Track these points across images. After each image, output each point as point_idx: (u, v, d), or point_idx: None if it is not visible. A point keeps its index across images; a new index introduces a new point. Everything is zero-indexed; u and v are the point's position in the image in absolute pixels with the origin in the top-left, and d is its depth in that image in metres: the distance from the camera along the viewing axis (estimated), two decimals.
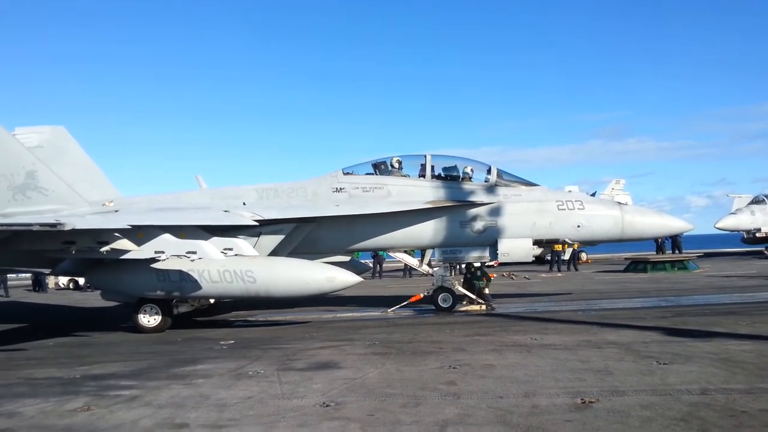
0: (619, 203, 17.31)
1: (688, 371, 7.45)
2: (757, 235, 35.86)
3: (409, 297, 15.75)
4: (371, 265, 29.58)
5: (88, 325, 15.49)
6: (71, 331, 14.03)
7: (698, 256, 31.37)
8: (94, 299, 20.04)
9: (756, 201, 36.38)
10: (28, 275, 30.55)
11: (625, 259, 31.68)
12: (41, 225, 11.20)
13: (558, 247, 27.74)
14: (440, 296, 15.27)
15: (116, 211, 15.06)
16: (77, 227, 11.33)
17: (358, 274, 14.13)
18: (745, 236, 38.23)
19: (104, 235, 12.31)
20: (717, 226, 34.88)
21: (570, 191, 22.60)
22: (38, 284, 29.81)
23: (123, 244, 12.43)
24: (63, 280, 30.66)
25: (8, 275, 27.67)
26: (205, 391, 7.55)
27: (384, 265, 32.08)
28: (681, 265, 27.17)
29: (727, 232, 36.77)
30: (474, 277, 15.87)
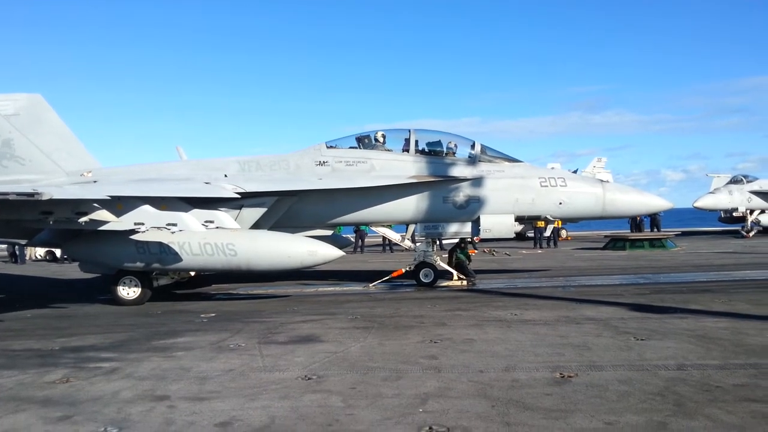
0: (601, 181, 17.42)
1: (665, 347, 7.58)
2: (734, 214, 36.48)
3: (391, 272, 15.79)
4: (353, 239, 29.61)
5: (66, 297, 15.31)
6: (49, 302, 13.87)
7: (676, 235, 31.79)
8: (71, 271, 19.82)
9: (734, 181, 36.93)
10: (5, 246, 30.14)
11: (605, 236, 32.02)
12: (18, 194, 10.94)
13: (540, 224, 27.93)
14: (422, 271, 15.34)
15: (95, 181, 14.83)
16: (55, 197, 11.11)
17: (340, 248, 14.11)
18: (723, 215, 38.91)
19: (83, 206, 12.09)
20: (695, 205, 35.38)
21: (552, 168, 22.76)
22: (15, 256, 29.40)
23: (102, 215, 12.23)
24: (40, 252, 30.28)
25: None
26: (186, 363, 7.52)
27: (366, 239, 32.12)
28: (659, 243, 27.51)
29: (706, 210, 37.34)
30: (462, 252, 15.96)
